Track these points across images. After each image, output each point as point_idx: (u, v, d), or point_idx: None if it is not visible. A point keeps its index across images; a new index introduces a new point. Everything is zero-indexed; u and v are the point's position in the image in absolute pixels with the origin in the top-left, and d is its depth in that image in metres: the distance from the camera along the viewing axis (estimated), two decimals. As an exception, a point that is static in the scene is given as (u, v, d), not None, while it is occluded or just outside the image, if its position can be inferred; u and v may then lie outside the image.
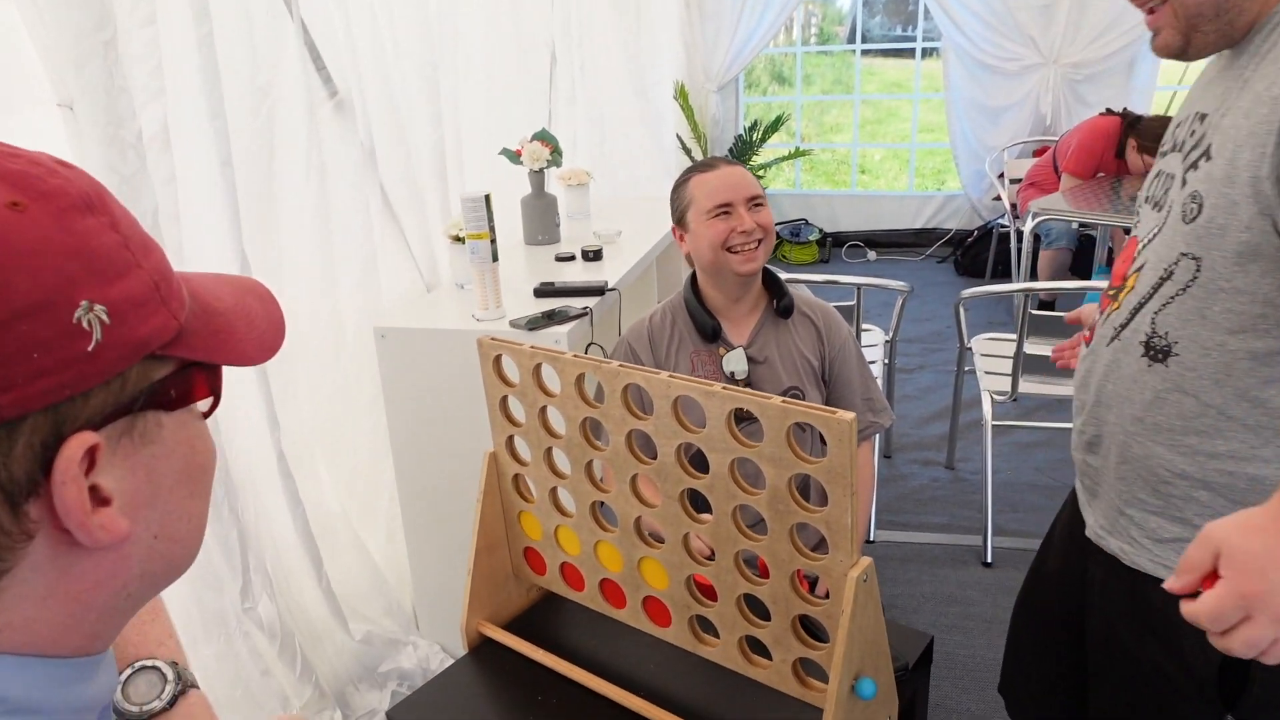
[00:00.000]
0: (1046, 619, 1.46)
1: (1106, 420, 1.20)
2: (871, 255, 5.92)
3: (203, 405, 0.53)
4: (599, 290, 2.08)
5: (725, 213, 1.65)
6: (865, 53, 6.30)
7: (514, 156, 2.59)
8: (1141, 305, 1.13)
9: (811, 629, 1.18)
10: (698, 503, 1.18)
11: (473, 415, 1.91)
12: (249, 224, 1.63)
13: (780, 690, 1.19)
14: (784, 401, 1.01)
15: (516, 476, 1.41)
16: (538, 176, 2.60)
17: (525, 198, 2.63)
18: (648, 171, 4.75)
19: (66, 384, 0.42)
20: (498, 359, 1.32)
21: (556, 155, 2.59)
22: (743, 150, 5.70)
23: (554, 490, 1.36)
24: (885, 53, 10.02)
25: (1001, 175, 5.06)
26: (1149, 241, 1.16)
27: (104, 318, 0.44)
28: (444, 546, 2.08)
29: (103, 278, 0.44)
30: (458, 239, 2.13)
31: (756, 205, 1.67)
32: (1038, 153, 5.11)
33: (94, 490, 0.45)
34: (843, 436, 0.96)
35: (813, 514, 1.05)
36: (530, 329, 1.86)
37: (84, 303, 0.43)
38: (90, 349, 0.43)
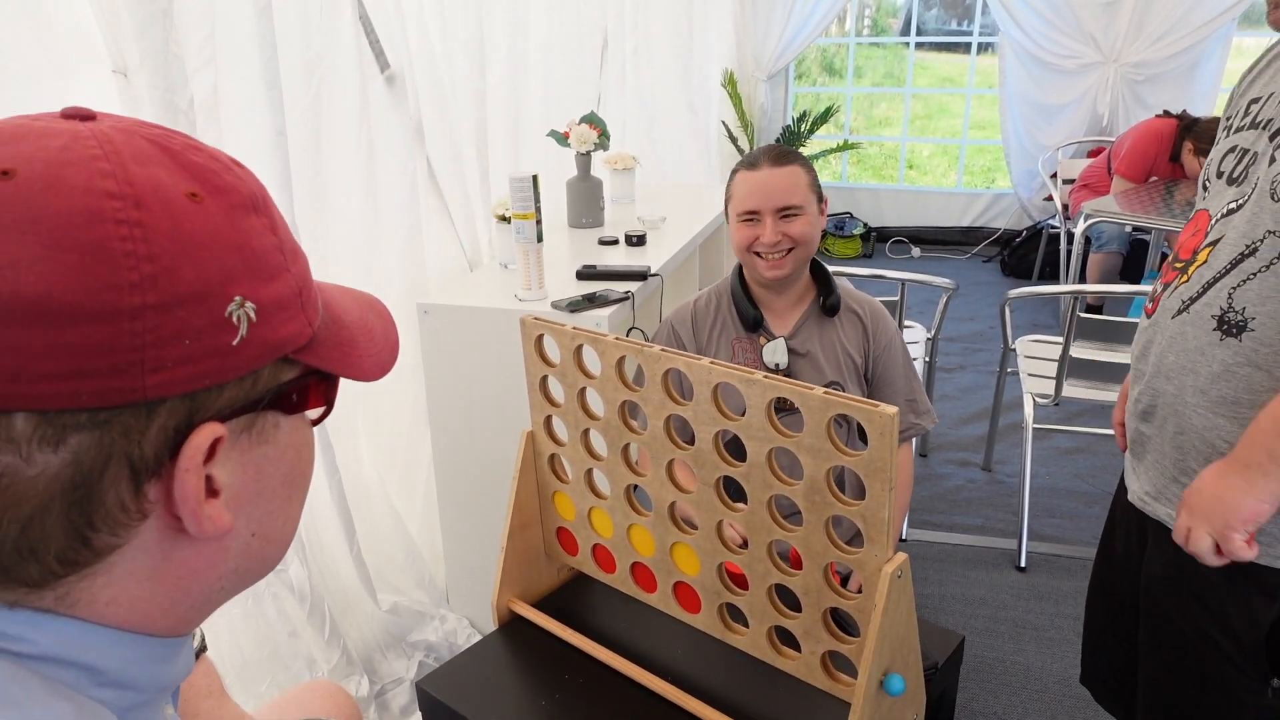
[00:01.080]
0: (1119, 602, 1.46)
1: (1164, 391, 1.22)
2: (916, 252, 5.85)
3: (313, 414, 0.54)
4: (641, 275, 2.08)
5: (752, 220, 1.64)
6: (918, 46, 6.19)
7: (561, 138, 2.59)
8: (1216, 279, 1.14)
9: (842, 623, 1.17)
10: (732, 491, 1.18)
11: (512, 394, 1.92)
12: (299, 195, 1.65)
13: (808, 682, 1.19)
14: (826, 392, 1.00)
15: (553, 456, 1.42)
16: (584, 159, 2.60)
17: (570, 180, 2.63)
18: (693, 159, 4.73)
19: (207, 374, 0.44)
20: (540, 339, 1.32)
21: (604, 139, 2.59)
22: (789, 141, 5.65)
23: (589, 472, 1.37)
24: (938, 47, 9.87)
25: (1054, 175, 4.96)
26: (1223, 216, 1.16)
27: (251, 315, 0.46)
28: (478, 522, 2.10)
29: (257, 277, 0.46)
30: (503, 218, 2.14)
31: (788, 215, 1.62)
32: (1092, 153, 5.00)
33: (207, 481, 0.46)
34: (884, 430, 0.95)
35: (850, 507, 1.05)
36: (572, 311, 1.87)
37: (237, 298, 0.45)
38: (234, 343, 0.45)
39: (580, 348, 1.26)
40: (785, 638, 1.21)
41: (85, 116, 0.45)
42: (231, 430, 0.47)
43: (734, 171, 1.68)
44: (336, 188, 1.83)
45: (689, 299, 1.78)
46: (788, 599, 1.18)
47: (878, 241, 5.91)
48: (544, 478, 1.45)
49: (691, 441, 1.18)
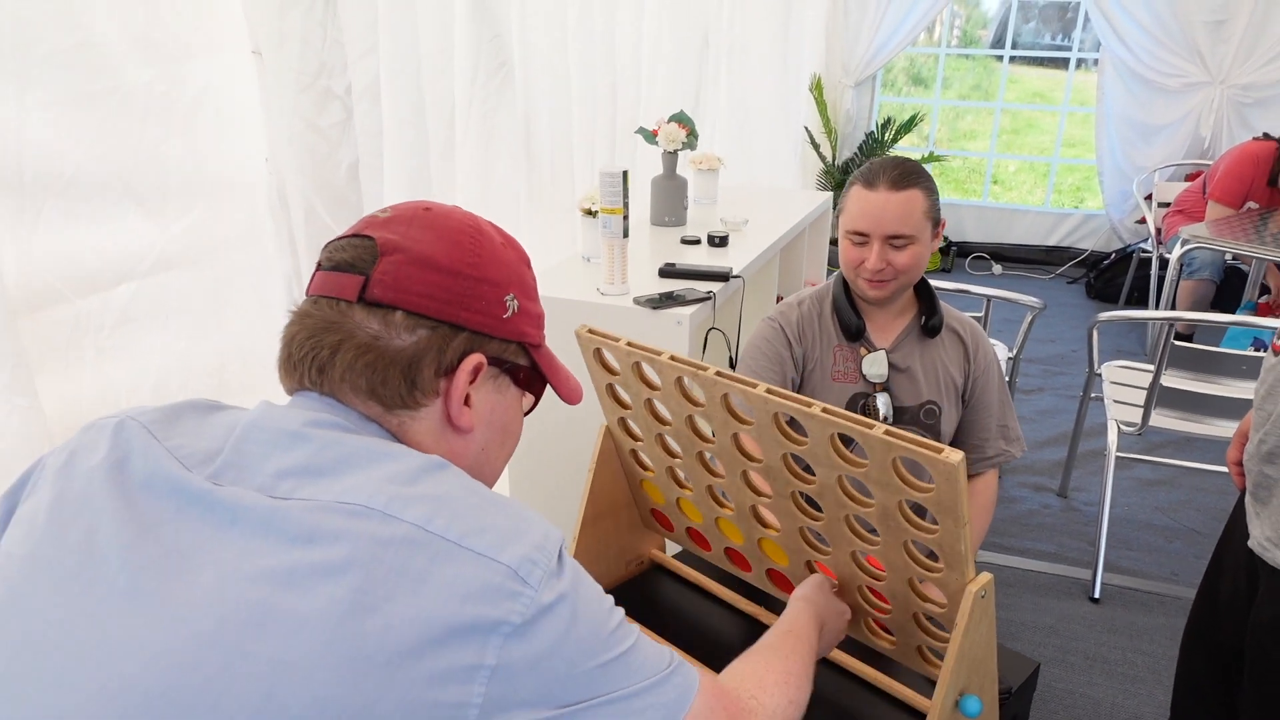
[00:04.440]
0: (1221, 648, 1.41)
1: None
2: (997, 269, 5.72)
3: (526, 404, 0.88)
4: (724, 276, 2.08)
5: (860, 242, 1.58)
6: (1009, 60, 6.05)
7: (650, 136, 2.60)
8: None
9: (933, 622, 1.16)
10: (811, 498, 1.17)
11: (588, 388, 1.93)
12: (437, 180, 1.70)
13: (904, 664, 1.20)
14: (886, 431, 0.97)
15: (634, 450, 1.42)
16: (671, 158, 2.60)
17: (656, 178, 2.64)
18: (779, 163, 4.70)
19: (487, 325, 0.78)
20: (598, 350, 1.32)
21: (692, 138, 2.59)
22: (871, 150, 5.58)
23: (670, 468, 1.37)
24: (1030, 61, 9.62)
25: (1149, 197, 4.80)
26: None
27: (515, 307, 0.81)
28: (548, 514, 2.12)
29: (524, 293, 0.83)
30: (589, 212, 2.16)
31: (898, 244, 1.56)
32: (1190, 177, 4.82)
33: (466, 397, 0.78)
34: (949, 476, 0.93)
35: (925, 534, 1.03)
36: (653, 308, 1.87)
37: (511, 294, 0.80)
38: (504, 316, 0.80)
39: (638, 363, 1.26)
40: (881, 626, 1.21)
41: (457, 208, 0.83)
42: (487, 370, 0.79)
43: (850, 182, 1.62)
44: (458, 176, 1.88)
45: (792, 299, 1.75)
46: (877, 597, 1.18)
47: (958, 257, 5.79)
48: (629, 468, 1.45)
49: (759, 459, 1.17)
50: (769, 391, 1.07)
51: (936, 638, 1.13)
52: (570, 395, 0.90)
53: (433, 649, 0.61)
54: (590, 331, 1.30)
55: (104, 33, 1.22)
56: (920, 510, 1.04)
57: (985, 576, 1.04)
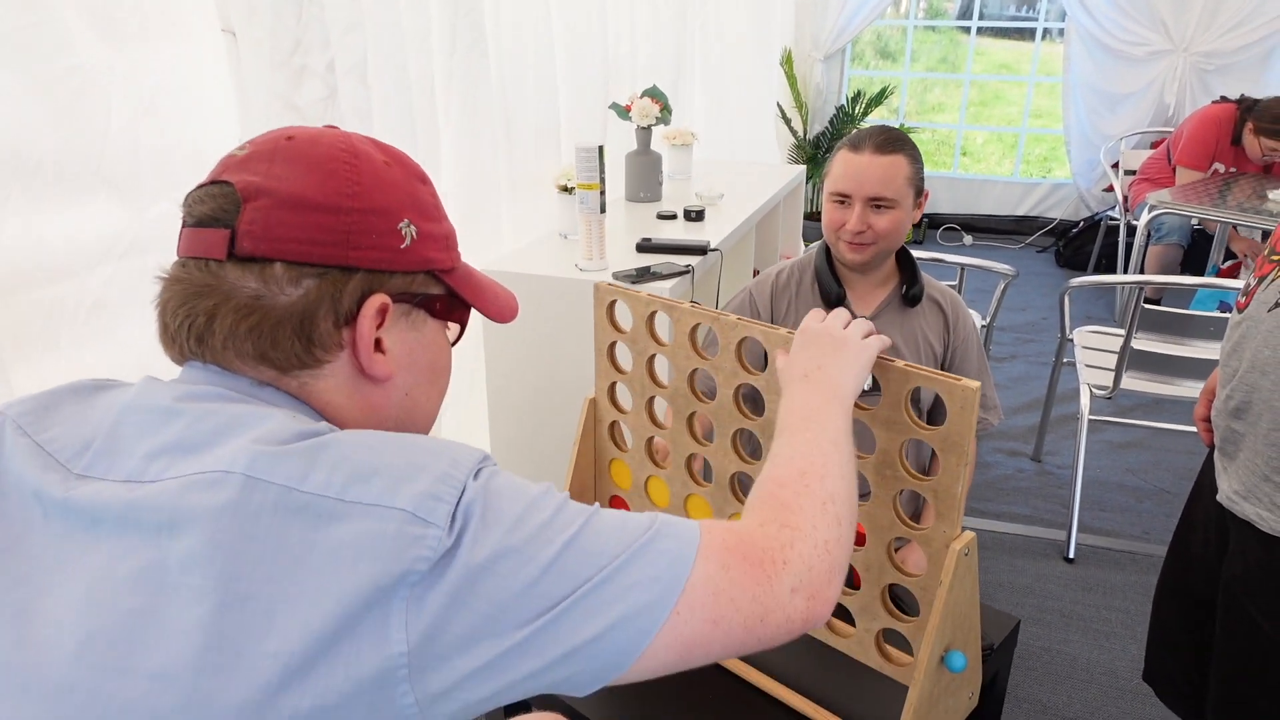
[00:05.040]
0: (1193, 602, 1.45)
1: (1260, 386, 1.21)
2: (968, 240, 5.77)
3: (451, 334, 0.78)
4: (701, 250, 2.09)
5: (842, 202, 1.60)
6: (975, 32, 6.08)
7: (623, 111, 2.59)
8: None
9: (899, 602, 1.17)
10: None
11: (569, 363, 1.94)
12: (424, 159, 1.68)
13: (861, 661, 1.19)
14: (906, 365, 1.00)
15: (613, 424, 1.43)
16: (644, 133, 2.60)
17: (630, 154, 2.64)
18: (752, 137, 4.70)
19: (382, 261, 0.68)
20: (612, 305, 1.33)
21: (665, 113, 2.59)
22: (842, 123, 5.59)
23: (650, 440, 1.38)
24: (995, 33, 9.66)
25: (1116, 165, 4.86)
26: None
27: (414, 234, 0.70)
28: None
29: (420, 215, 0.72)
30: (565, 189, 2.15)
31: (879, 206, 1.57)
32: (1154, 145, 4.89)
33: (378, 343, 0.69)
34: (965, 404, 0.95)
35: (922, 481, 1.05)
36: (633, 282, 1.88)
37: (406, 220, 0.70)
38: (401, 247, 0.70)
39: (654, 315, 1.27)
40: (840, 613, 1.21)
41: (333, 129, 0.73)
42: (395, 310, 0.70)
43: (837, 147, 1.64)
44: (436, 159, 1.86)
45: (770, 270, 1.77)
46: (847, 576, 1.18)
47: (929, 229, 5.84)
48: (602, 445, 1.46)
49: (760, 413, 1.19)
50: (789, 331, 1.08)
51: (899, 619, 1.13)
52: (500, 313, 0.80)
53: (331, 645, 0.53)
54: (611, 284, 1.32)
55: (60, 11, 1.19)
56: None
57: (968, 534, 1.06)
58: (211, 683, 0.52)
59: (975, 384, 0.94)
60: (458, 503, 0.57)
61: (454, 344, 0.78)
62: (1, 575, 0.59)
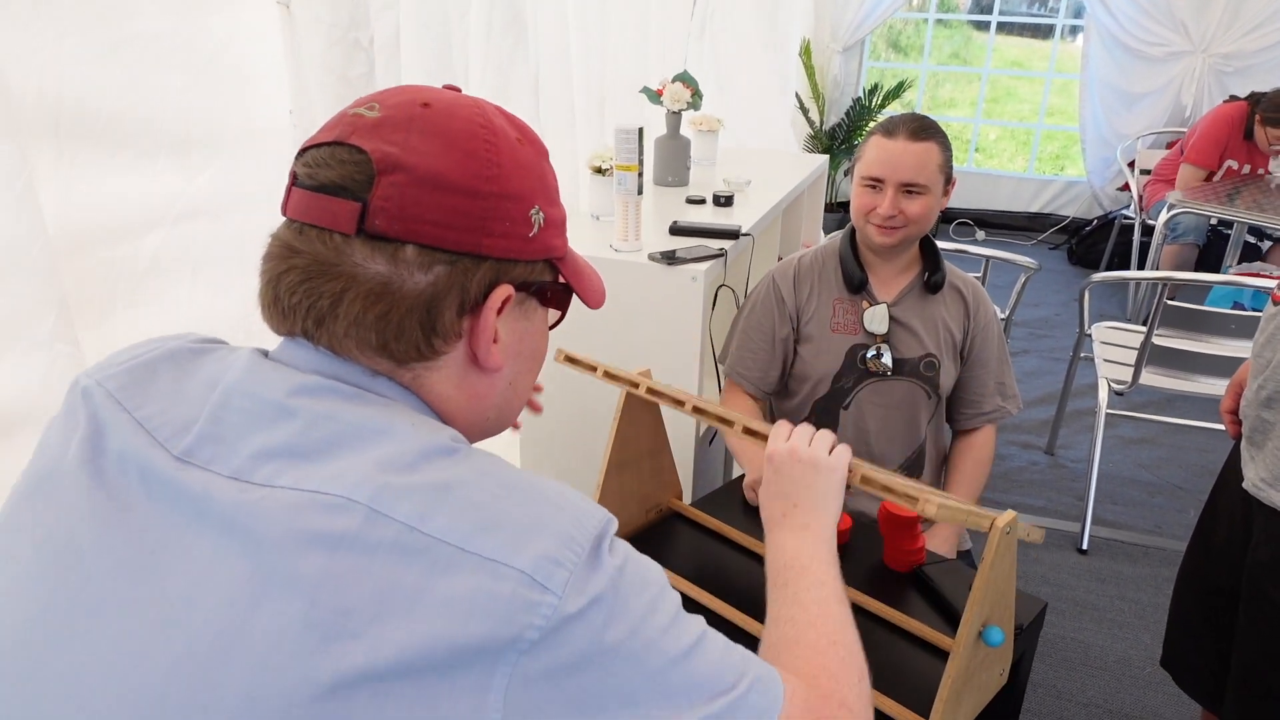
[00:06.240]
0: (1215, 589, 1.48)
1: None
2: (981, 235, 5.79)
3: (552, 317, 0.75)
4: (733, 234, 2.11)
5: (874, 187, 1.63)
6: (987, 27, 6.08)
7: (654, 96, 2.61)
8: None
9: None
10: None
11: (601, 342, 1.96)
12: None
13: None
14: (940, 499, 0.99)
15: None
16: (674, 118, 2.61)
17: (659, 138, 2.65)
18: (768, 126, 4.70)
19: (512, 250, 0.66)
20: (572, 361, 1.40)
21: (696, 98, 2.60)
22: (859, 115, 5.60)
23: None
24: (1008, 29, 9.63)
25: (1132, 164, 4.87)
26: None
27: (542, 221, 0.68)
28: (561, 471, 2.15)
29: (547, 199, 0.69)
30: (599, 170, 2.17)
31: (911, 192, 1.60)
32: (1170, 145, 4.90)
33: (494, 335, 0.66)
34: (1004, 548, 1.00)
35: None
36: (669, 263, 1.90)
37: (536, 207, 0.67)
38: (530, 235, 0.67)
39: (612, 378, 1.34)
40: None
41: (455, 89, 0.70)
42: (515, 299, 0.67)
43: (870, 132, 1.68)
44: None
45: (792, 257, 1.80)
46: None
47: (942, 223, 5.85)
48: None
49: None
50: (745, 430, 1.09)
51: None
52: (596, 299, 0.77)
53: (431, 676, 0.51)
54: (568, 359, 1.40)
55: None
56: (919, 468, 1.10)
57: (1010, 513, 1.09)
58: (281, 658, 0.51)
59: (1009, 516, 0.97)
60: (578, 569, 0.55)
61: (551, 329, 0.76)
62: (112, 548, 0.57)
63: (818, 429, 1.01)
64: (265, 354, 0.66)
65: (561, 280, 0.72)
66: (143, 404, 0.63)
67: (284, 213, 0.64)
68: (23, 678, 0.56)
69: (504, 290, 0.65)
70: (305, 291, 0.61)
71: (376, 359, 0.63)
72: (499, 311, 0.65)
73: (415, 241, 0.61)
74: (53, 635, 0.56)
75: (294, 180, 0.64)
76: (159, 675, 0.52)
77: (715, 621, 1.33)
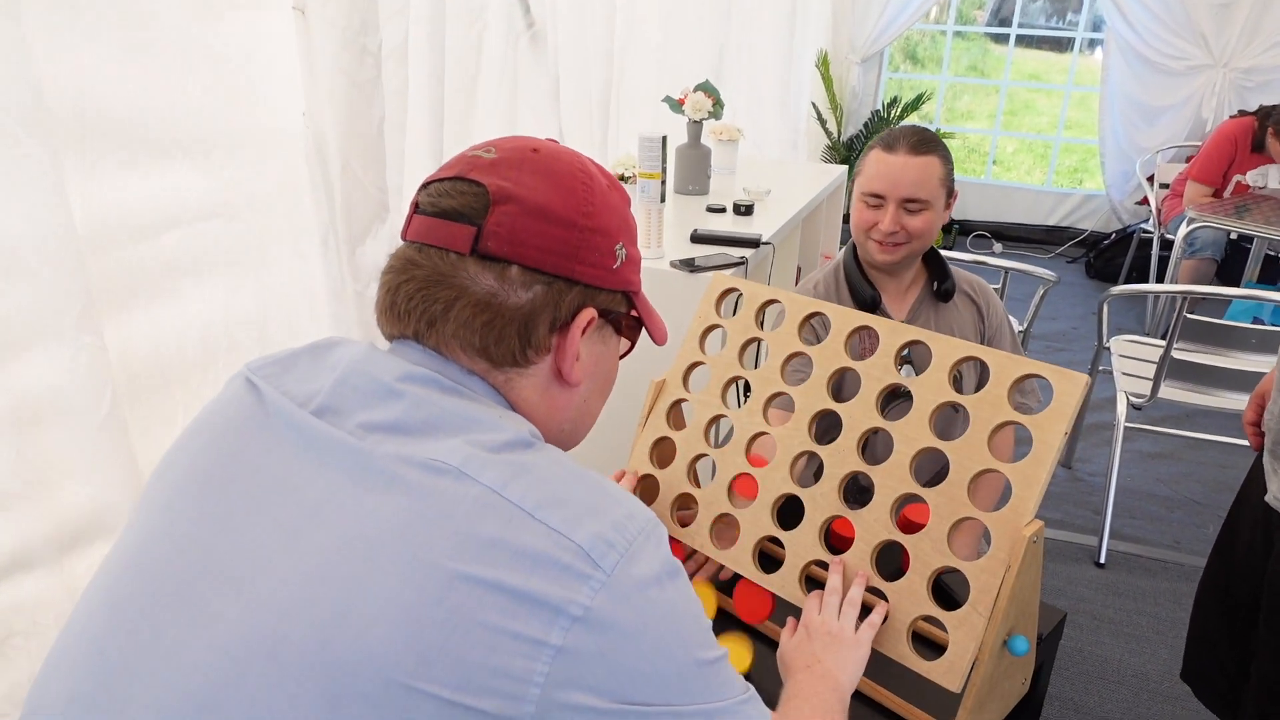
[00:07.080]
0: (1236, 603, 1.48)
1: None
2: (998, 247, 5.77)
3: (622, 348, 0.86)
4: (754, 242, 2.12)
5: (875, 204, 1.60)
6: (1004, 40, 6.08)
7: (676, 105, 2.63)
8: None
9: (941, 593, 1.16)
10: (870, 452, 1.22)
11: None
12: (449, 141, 1.71)
13: (886, 653, 1.13)
14: (1008, 357, 1.04)
15: (674, 405, 1.45)
16: (696, 127, 2.63)
17: (680, 146, 2.67)
18: (784, 137, 4.72)
19: (598, 278, 0.76)
20: (726, 293, 1.36)
21: (718, 108, 2.62)
22: (878, 126, 5.61)
23: (715, 418, 1.39)
24: (1028, 41, 9.63)
25: (1151, 178, 4.86)
26: None
27: (624, 257, 0.79)
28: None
29: (629, 238, 0.81)
30: (622, 178, 2.19)
31: (912, 208, 1.58)
32: (1189, 159, 4.89)
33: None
34: (1073, 392, 1.00)
35: (1008, 464, 1.08)
36: (690, 271, 1.92)
37: (620, 243, 0.78)
38: (614, 267, 0.78)
39: (768, 303, 1.32)
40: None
41: (554, 140, 0.81)
42: (596, 323, 0.77)
43: (869, 146, 1.65)
44: (480, 136, 1.90)
45: (806, 281, 1.77)
46: (889, 564, 1.18)
47: (959, 235, 5.85)
48: (656, 421, 1.48)
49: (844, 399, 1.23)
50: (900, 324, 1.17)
51: (935, 616, 1.10)
52: (661, 335, 0.88)
53: (506, 599, 0.59)
54: (730, 275, 1.39)
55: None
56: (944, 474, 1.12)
57: (1038, 523, 1.09)
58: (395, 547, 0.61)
59: (1084, 379, 0.98)
60: (625, 554, 0.63)
61: (620, 358, 0.87)
62: (268, 465, 0.68)
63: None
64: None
65: (634, 314, 0.83)
66: (284, 382, 0.74)
67: (404, 237, 0.75)
68: (210, 531, 0.67)
69: (589, 313, 0.75)
70: (422, 298, 0.71)
71: (476, 359, 0.73)
72: (583, 331, 0.75)
73: (520, 263, 0.71)
74: (233, 507, 0.68)
75: (415, 208, 0.75)
76: (318, 563, 0.62)
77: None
